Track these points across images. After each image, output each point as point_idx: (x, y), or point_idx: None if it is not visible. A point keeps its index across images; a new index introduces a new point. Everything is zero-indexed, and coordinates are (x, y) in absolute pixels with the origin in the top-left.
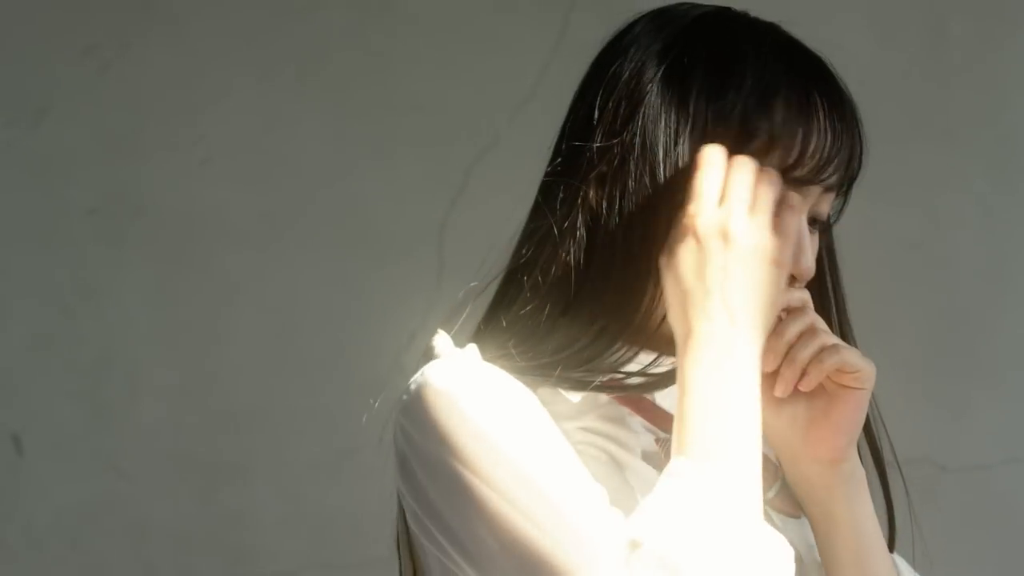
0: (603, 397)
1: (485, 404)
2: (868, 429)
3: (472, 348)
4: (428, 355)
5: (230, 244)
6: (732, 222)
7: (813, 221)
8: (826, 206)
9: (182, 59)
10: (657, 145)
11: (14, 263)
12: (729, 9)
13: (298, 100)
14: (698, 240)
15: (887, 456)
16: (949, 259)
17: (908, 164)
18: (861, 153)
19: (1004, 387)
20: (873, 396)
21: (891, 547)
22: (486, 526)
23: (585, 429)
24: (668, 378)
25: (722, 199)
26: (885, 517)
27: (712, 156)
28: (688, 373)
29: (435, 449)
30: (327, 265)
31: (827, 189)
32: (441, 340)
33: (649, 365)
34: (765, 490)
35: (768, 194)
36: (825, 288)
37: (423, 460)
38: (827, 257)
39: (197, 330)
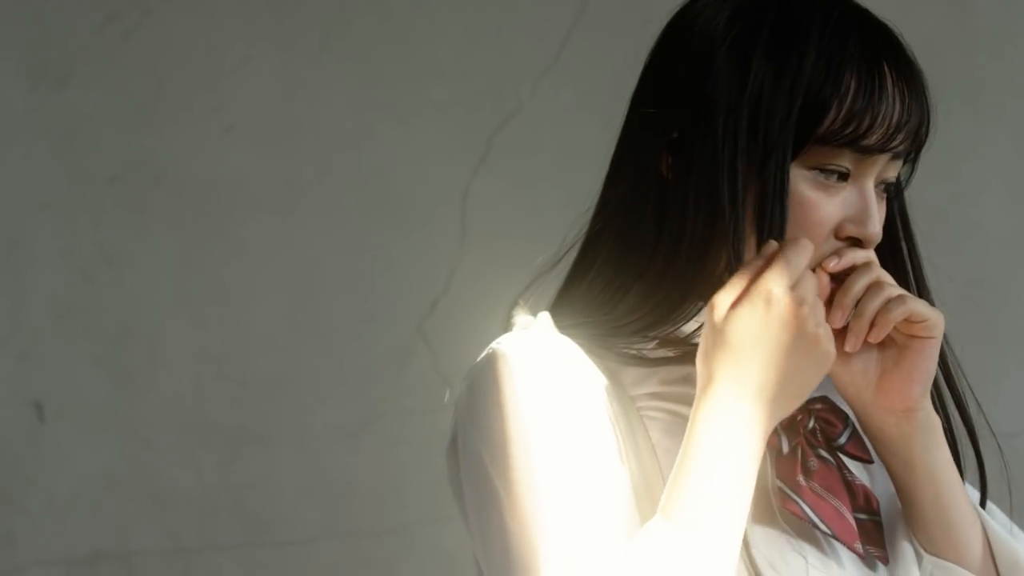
0: (669, 357)
1: (531, 406)
2: (952, 386)
3: (545, 316)
4: (505, 325)
5: (251, 211)
6: (783, 289)
7: (882, 187)
8: (894, 171)
9: (203, 26)
10: (719, 117)
11: (36, 230)
12: None
13: (320, 67)
14: (747, 295)
15: (977, 419)
16: (974, 227)
17: (932, 132)
18: (929, 121)
19: None
20: (958, 363)
21: (983, 499)
22: (476, 512)
23: (651, 395)
24: None
25: (768, 265)
26: (977, 473)
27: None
28: (697, 423)
29: (473, 431)
30: (349, 232)
31: (895, 156)
32: (520, 312)
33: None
34: (836, 436)
35: (811, 280)
36: (900, 252)
37: (463, 433)
38: (900, 221)
39: (218, 297)
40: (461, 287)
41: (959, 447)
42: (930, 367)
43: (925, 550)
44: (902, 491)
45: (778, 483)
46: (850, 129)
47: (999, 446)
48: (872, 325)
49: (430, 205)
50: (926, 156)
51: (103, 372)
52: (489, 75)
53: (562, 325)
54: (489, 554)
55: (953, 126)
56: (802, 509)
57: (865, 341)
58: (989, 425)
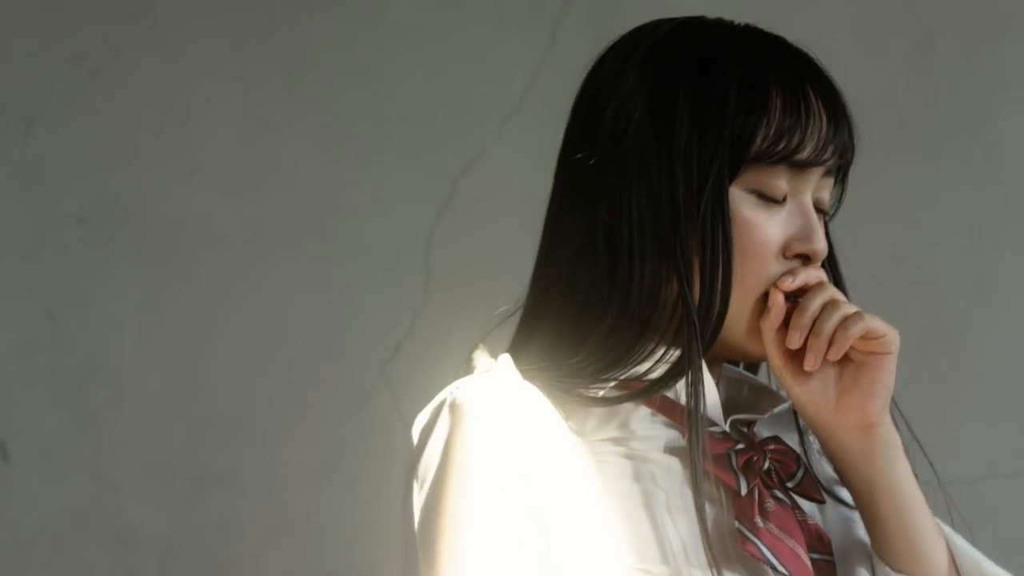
0: (627, 404)
1: (479, 472)
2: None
3: (505, 359)
4: (466, 367)
5: (217, 252)
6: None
7: (817, 210)
8: (827, 192)
9: (171, 67)
10: (651, 155)
11: (1, 269)
12: (703, 17)
13: (286, 109)
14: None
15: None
16: (933, 273)
17: (893, 177)
18: (853, 139)
19: (988, 402)
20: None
21: None
22: (407, 559)
23: (609, 439)
24: (679, 370)
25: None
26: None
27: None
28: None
29: (419, 486)
30: (313, 274)
31: (827, 173)
32: (480, 354)
33: (664, 355)
34: (788, 478)
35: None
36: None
37: (407, 485)
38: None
39: (183, 338)
40: (424, 330)
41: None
42: (889, 382)
43: (890, 567)
44: (865, 508)
45: (736, 524)
46: (782, 145)
47: (931, 465)
48: (830, 343)
49: (394, 248)
50: (888, 202)
51: (67, 411)
52: (453, 118)
53: (523, 368)
54: None
55: (914, 172)
56: (760, 550)
57: (824, 359)
58: (930, 463)
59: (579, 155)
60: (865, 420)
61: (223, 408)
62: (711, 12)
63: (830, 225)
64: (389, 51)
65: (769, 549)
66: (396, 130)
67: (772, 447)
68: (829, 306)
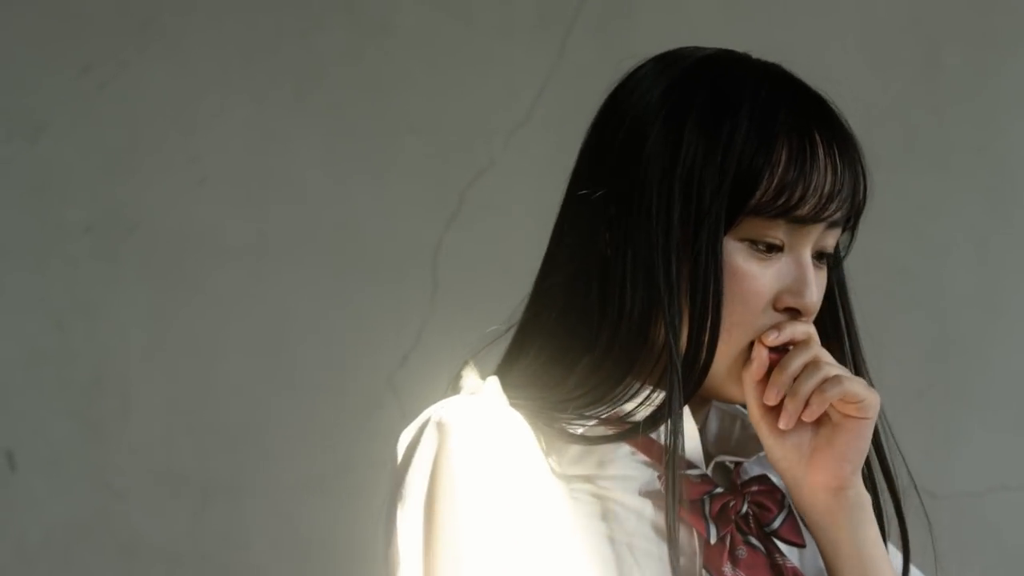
0: (608, 436)
1: (463, 493)
2: (883, 459)
3: (493, 381)
4: (453, 386)
5: (225, 263)
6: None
7: (820, 256)
8: (832, 240)
9: (179, 78)
10: (652, 192)
11: (9, 279)
12: (731, 52)
13: (294, 120)
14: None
15: (906, 484)
16: (941, 286)
17: (901, 191)
18: (865, 188)
19: (994, 415)
20: (888, 426)
21: (905, 573)
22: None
23: (584, 477)
24: (663, 414)
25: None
26: (900, 544)
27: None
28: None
29: (401, 504)
30: (321, 284)
31: (831, 225)
32: (469, 372)
33: (649, 397)
34: (769, 521)
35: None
36: (838, 322)
37: (391, 503)
38: (839, 291)
39: (191, 348)
40: (431, 341)
41: (884, 515)
42: (863, 447)
43: None
44: (829, 567)
45: (703, 573)
46: (782, 200)
47: (925, 514)
48: (806, 404)
49: (402, 259)
50: (895, 215)
51: (74, 421)
52: (462, 130)
53: (509, 392)
54: None
55: (922, 186)
56: None
57: (799, 419)
58: (917, 492)
59: (585, 181)
60: (835, 482)
61: (230, 418)
62: (721, 26)
63: (844, 269)
64: (397, 63)
65: None
66: (404, 141)
67: (755, 488)
68: (810, 367)
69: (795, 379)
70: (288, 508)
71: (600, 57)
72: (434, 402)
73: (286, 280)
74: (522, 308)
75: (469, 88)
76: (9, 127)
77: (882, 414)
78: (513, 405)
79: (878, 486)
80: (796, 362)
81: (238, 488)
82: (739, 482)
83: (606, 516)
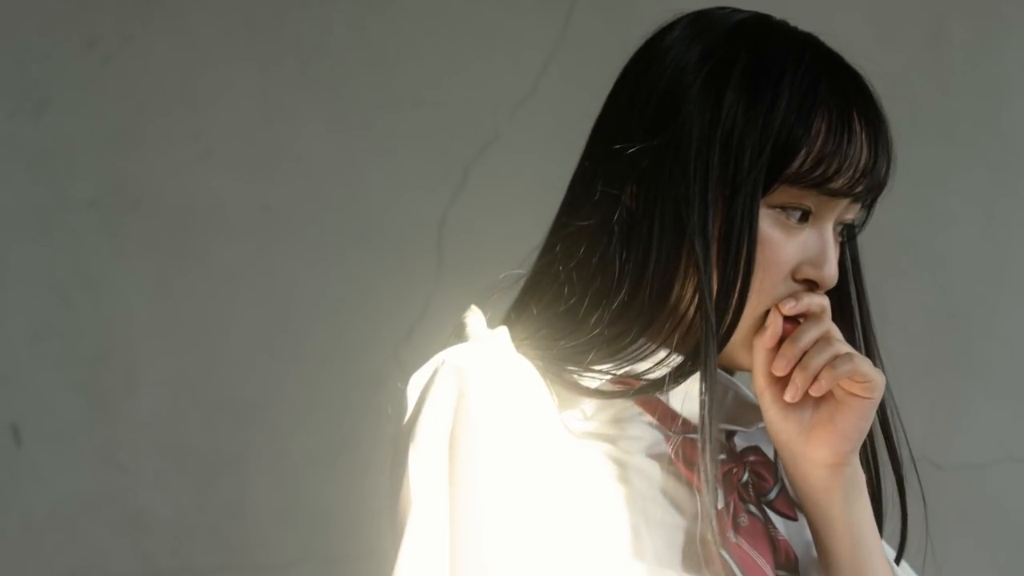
0: (618, 400)
1: (479, 435)
2: (888, 435)
3: (503, 331)
4: (459, 333)
5: (229, 237)
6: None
7: (839, 228)
8: (852, 214)
9: (183, 52)
10: (691, 151)
11: (14, 254)
12: (769, 17)
13: (299, 94)
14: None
15: (905, 461)
16: (947, 258)
17: (907, 164)
18: (891, 167)
19: (1000, 386)
20: (894, 403)
21: (901, 550)
22: (395, 515)
23: (591, 433)
24: (681, 375)
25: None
26: (899, 521)
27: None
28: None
29: (415, 450)
30: (326, 259)
31: (855, 199)
32: (474, 319)
33: (666, 359)
34: (767, 491)
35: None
36: (848, 296)
37: (401, 449)
38: (852, 266)
39: (196, 322)
40: (437, 314)
41: (884, 494)
42: (864, 426)
43: None
44: (820, 542)
45: (709, 537)
46: (818, 172)
47: (923, 496)
48: (814, 379)
49: (407, 232)
50: (900, 186)
51: (80, 396)
52: (467, 103)
53: (517, 342)
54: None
55: (927, 157)
56: (729, 565)
57: (805, 393)
58: (916, 471)
59: (615, 133)
60: (833, 459)
61: (236, 392)
62: None
63: (898, 215)
64: (403, 36)
65: (738, 564)
66: (409, 115)
67: (752, 459)
68: (822, 342)
69: (806, 352)
70: (294, 481)
71: (605, 30)
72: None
73: (291, 253)
74: (533, 257)
75: (474, 61)
76: (13, 101)
77: (888, 390)
78: (522, 354)
79: (880, 462)
80: (808, 335)
81: (244, 462)
82: (737, 451)
83: (616, 475)
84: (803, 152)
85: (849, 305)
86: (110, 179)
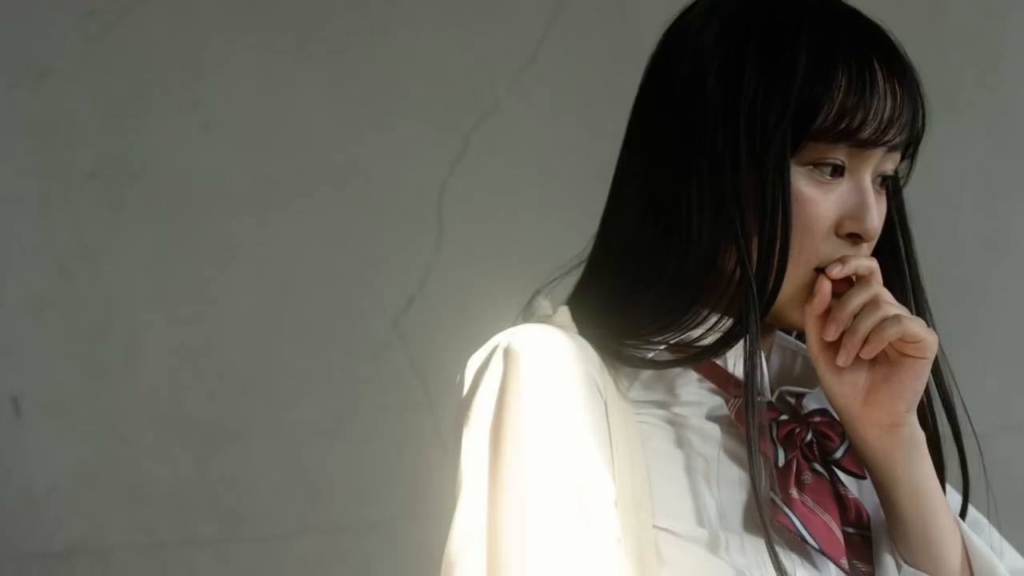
0: (675, 368)
1: (531, 416)
2: (945, 397)
3: (564, 311)
4: (525, 313)
5: (229, 208)
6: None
7: (882, 181)
8: (891, 164)
9: (183, 23)
10: (719, 122)
11: (13, 226)
12: None
13: (297, 64)
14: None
15: (964, 428)
16: (948, 227)
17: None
18: (924, 115)
19: (1003, 355)
20: (950, 369)
21: (963, 514)
22: (457, 506)
23: (653, 402)
24: (731, 339)
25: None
26: (961, 485)
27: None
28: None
29: (468, 429)
30: (326, 229)
31: (892, 149)
32: (540, 300)
33: (717, 323)
34: (833, 450)
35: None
36: (898, 251)
37: (459, 426)
38: (898, 219)
39: (196, 293)
40: (437, 284)
41: (943, 452)
42: (918, 386)
43: (905, 562)
44: (885, 503)
45: (771, 495)
46: (843, 124)
47: (980, 450)
48: (865, 342)
49: (407, 202)
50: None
51: (80, 367)
52: (466, 73)
53: (579, 321)
54: (455, 550)
55: (928, 126)
56: (792, 522)
57: (857, 356)
58: (973, 429)
59: (649, 114)
60: (889, 419)
61: (236, 363)
62: None
63: (905, 197)
64: (401, 5)
65: (801, 521)
66: (409, 85)
67: (817, 419)
68: (870, 305)
69: (855, 316)
70: (294, 452)
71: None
72: (442, 344)
73: (291, 224)
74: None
75: (474, 31)
76: (11, 74)
77: (942, 352)
78: (582, 334)
79: (939, 423)
80: (857, 299)
81: (244, 433)
82: (803, 412)
83: (678, 440)
84: (826, 106)
85: (898, 261)
86: (109, 150)
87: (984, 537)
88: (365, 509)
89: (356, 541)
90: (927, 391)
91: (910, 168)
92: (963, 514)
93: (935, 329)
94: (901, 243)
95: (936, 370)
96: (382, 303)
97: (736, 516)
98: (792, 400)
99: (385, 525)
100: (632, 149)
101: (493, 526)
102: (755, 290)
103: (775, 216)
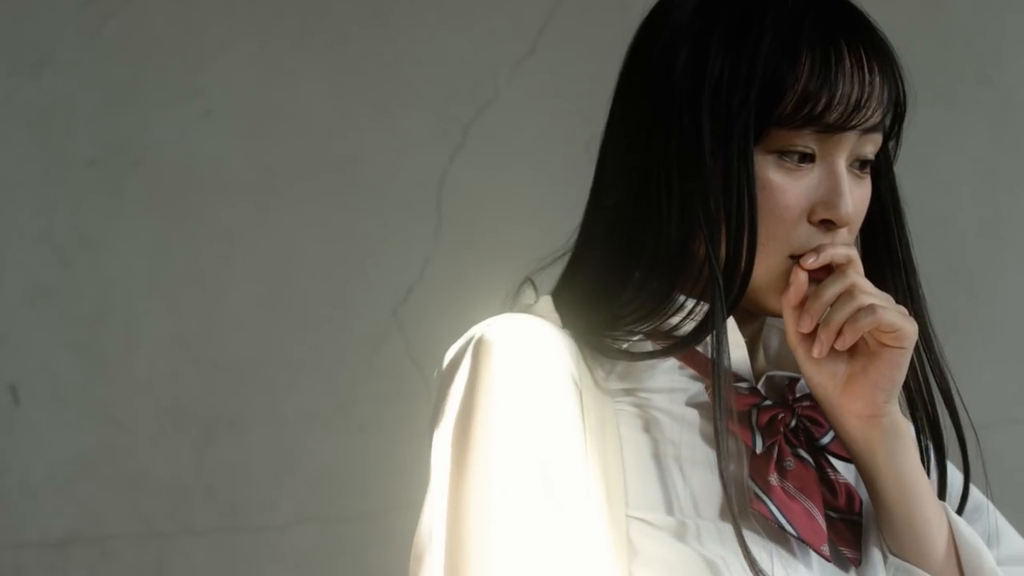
0: (654, 351)
1: (502, 405)
2: (941, 379)
3: (546, 301)
4: (511, 305)
5: (229, 196)
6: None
7: (862, 165)
8: (871, 147)
9: (183, 11)
10: (683, 106)
11: (12, 214)
12: None
13: (298, 53)
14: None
15: (963, 419)
16: (947, 219)
17: (907, 122)
18: (902, 93)
19: (1001, 347)
20: (944, 360)
21: (964, 497)
22: (429, 494)
23: (628, 390)
24: (706, 326)
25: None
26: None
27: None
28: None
29: (441, 418)
30: (325, 218)
31: (868, 131)
32: (526, 290)
33: (693, 310)
34: (821, 436)
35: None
36: (890, 230)
37: (434, 416)
38: (890, 199)
39: (195, 282)
40: (436, 274)
41: (943, 434)
42: (897, 376)
43: (891, 552)
44: (870, 492)
45: (748, 482)
46: (807, 109)
47: (977, 439)
48: (839, 333)
49: (406, 192)
50: (900, 147)
51: (78, 356)
52: (466, 63)
53: (561, 311)
54: (422, 541)
55: (927, 118)
56: (769, 509)
57: (833, 347)
58: (970, 420)
59: (625, 99)
60: (868, 410)
61: (235, 352)
62: None
63: (897, 176)
64: None
65: (779, 508)
66: (409, 74)
67: (806, 404)
68: (845, 295)
69: (831, 306)
70: (293, 442)
71: None
72: (440, 334)
73: (290, 214)
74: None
75: (473, 20)
76: (12, 61)
77: (937, 341)
78: (565, 324)
79: (937, 409)
80: (831, 290)
81: (243, 422)
82: (792, 398)
83: (653, 428)
84: (790, 90)
85: (890, 243)
86: (109, 139)
87: (985, 522)
88: (362, 499)
89: (352, 531)
90: (924, 376)
91: (897, 146)
92: (964, 498)
93: (927, 316)
94: (893, 224)
95: (933, 360)
96: (381, 293)
97: (712, 504)
98: (785, 383)
99: (382, 515)
100: (610, 135)
101: (456, 514)
102: (721, 280)
103: (741, 204)
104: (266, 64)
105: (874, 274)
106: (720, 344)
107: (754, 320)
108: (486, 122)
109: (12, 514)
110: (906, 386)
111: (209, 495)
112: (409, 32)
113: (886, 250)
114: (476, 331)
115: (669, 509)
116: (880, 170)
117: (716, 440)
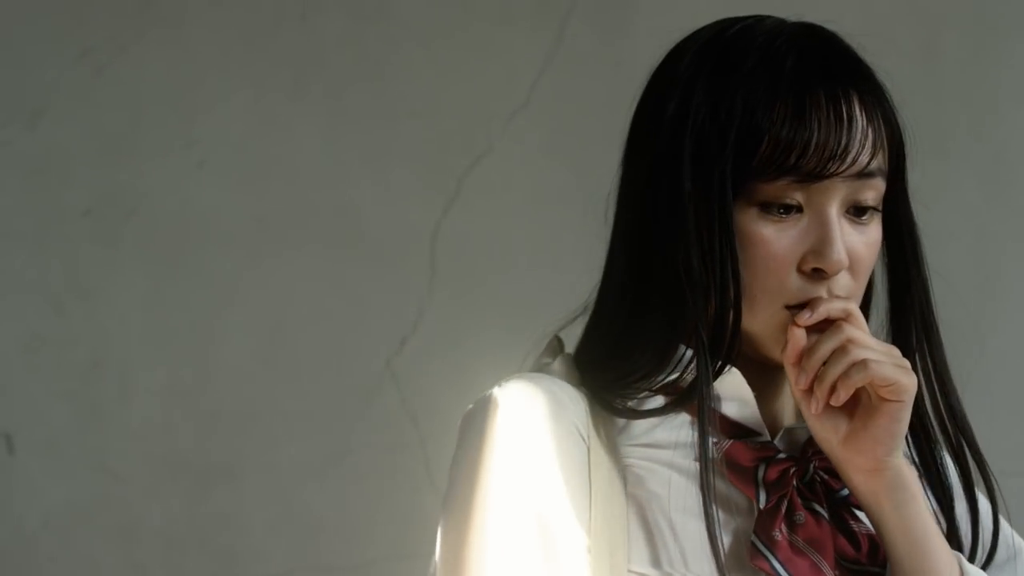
0: (662, 408)
1: (505, 470)
2: (972, 444)
3: (565, 359)
4: (536, 362)
5: (224, 247)
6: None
7: (860, 211)
8: (868, 192)
9: (178, 63)
10: (668, 160)
11: (8, 263)
12: (767, 17)
13: (293, 105)
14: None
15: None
16: (941, 272)
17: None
18: (895, 134)
19: (993, 401)
20: (960, 408)
21: (995, 540)
22: (439, 553)
23: (641, 446)
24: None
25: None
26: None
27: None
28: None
29: (451, 477)
30: (320, 270)
31: (862, 176)
32: (549, 346)
33: (692, 363)
34: (840, 488)
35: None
36: (907, 269)
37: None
38: (908, 239)
39: (189, 332)
40: (430, 326)
41: (968, 463)
42: (897, 429)
43: None
44: (882, 543)
45: (752, 537)
46: (781, 159)
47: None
48: (833, 389)
49: (400, 244)
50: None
51: (73, 405)
52: (460, 115)
53: (582, 369)
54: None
55: (920, 172)
56: (771, 564)
57: (829, 404)
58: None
59: (625, 155)
60: (869, 464)
61: (229, 402)
62: (720, 12)
63: (916, 211)
64: (396, 48)
65: (782, 563)
66: (403, 127)
67: (824, 456)
68: (839, 351)
69: (825, 363)
70: (287, 492)
71: (598, 42)
72: (434, 385)
73: (285, 265)
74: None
75: (467, 73)
76: (8, 111)
77: (952, 382)
78: (583, 382)
79: (965, 452)
80: (825, 346)
81: (237, 472)
82: (811, 451)
83: (657, 482)
84: (765, 141)
85: (908, 282)
86: (104, 189)
87: (1012, 571)
88: (356, 549)
89: None
90: (953, 418)
91: (903, 184)
92: (995, 541)
93: (937, 361)
94: (909, 264)
95: (916, 408)
96: (375, 344)
97: (709, 560)
98: (806, 436)
99: (376, 565)
100: (619, 187)
101: (455, 569)
102: (705, 336)
103: (724, 257)
104: (261, 116)
105: (896, 319)
106: (703, 400)
107: (778, 370)
108: (480, 174)
109: (7, 563)
110: (928, 429)
111: (204, 544)
112: (403, 85)
113: (905, 293)
114: (489, 392)
115: (657, 563)
116: (896, 212)
117: (703, 496)
